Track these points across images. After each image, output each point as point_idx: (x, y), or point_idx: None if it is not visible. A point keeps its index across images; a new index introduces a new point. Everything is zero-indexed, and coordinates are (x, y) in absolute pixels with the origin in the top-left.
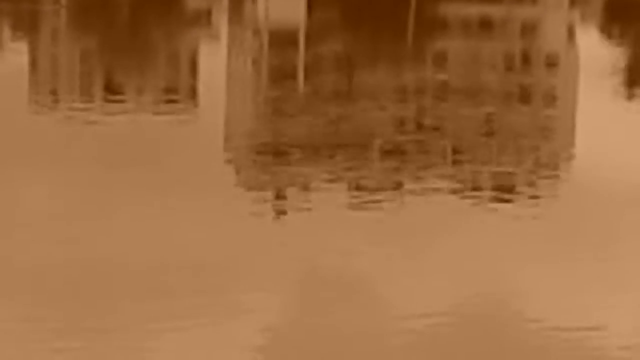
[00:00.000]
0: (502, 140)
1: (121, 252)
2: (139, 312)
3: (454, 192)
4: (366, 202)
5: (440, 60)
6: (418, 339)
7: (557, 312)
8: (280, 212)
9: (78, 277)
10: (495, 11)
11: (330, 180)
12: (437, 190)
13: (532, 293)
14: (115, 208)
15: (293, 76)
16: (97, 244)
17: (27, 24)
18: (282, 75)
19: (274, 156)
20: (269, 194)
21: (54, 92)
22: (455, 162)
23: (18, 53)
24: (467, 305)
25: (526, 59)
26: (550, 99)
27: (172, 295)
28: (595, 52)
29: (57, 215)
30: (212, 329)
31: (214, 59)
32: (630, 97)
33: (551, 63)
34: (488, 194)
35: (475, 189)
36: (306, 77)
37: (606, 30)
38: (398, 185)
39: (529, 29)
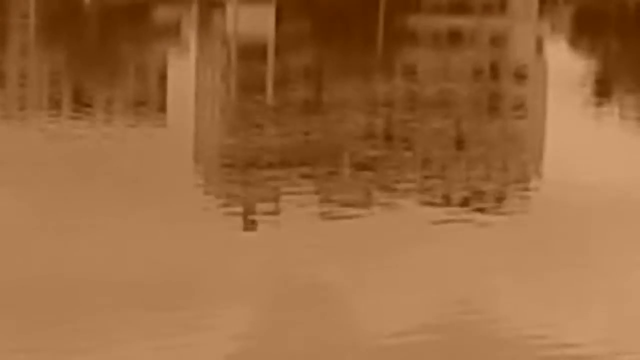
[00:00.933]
0: (472, 151)
1: (89, 267)
2: (107, 329)
3: (424, 203)
4: (337, 214)
5: (410, 72)
6: (390, 351)
7: (530, 322)
8: (250, 224)
9: (44, 293)
10: (464, 23)
11: (301, 192)
12: (407, 201)
13: (504, 304)
14: (83, 222)
15: (262, 88)
16: (64, 259)
17: None
18: (251, 87)
19: (244, 168)
20: (239, 206)
21: (22, 107)
22: (425, 174)
23: None
24: (439, 317)
25: (495, 70)
26: (520, 110)
27: (142, 309)
28: (564, 63)
29: (23, 231)
30: (183, 342)
31: (183, 71)
32: (599, 108)
33: (520, 75)
34: (458, 205)
35: (445, 200)
36: (275, 89)
37: (575, 41)
38: (368, 197)
39: (498, 41)
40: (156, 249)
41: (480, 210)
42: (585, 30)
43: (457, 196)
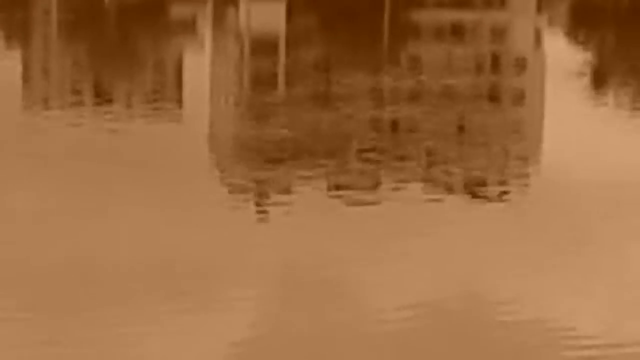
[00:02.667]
0: (474, 140)
1: (106, 251)
2: (129, 310)
3: (428, 191)
4: (345, 202)
5: (415, 64)
6: (393, 332)
7: (528, 307)
8: (262, 212)
9: (65, 276)
10: (465, 16)
11: (310, 180)
12: (412, 189)
13: (503, 288)
14: (103, 208)
15: (274, 82)
16: (83, 243)
17: (19, 33)
18: (263, 80)
19: (257, 158)
20: (252, 194)
21: (45, 99)
22: (429, 162)
23: (12, 61)
24: (441, 300)
25: (496, 62)
26: (519, 100)
27: (155, 293)
28: (561, 55)
29: (46, 217)
30: (195, 322)
31: (198, 66)
32: (595, 98)
33: (520, 66)
34: (461, 192)
35: (448, 187)
36: (287, 81)
37: (572, 34)
38: (376, 185)
39: (498, 34)
40: (170, 234)
41: (482, 197)
42: (582, 23)
43: (459, 183)
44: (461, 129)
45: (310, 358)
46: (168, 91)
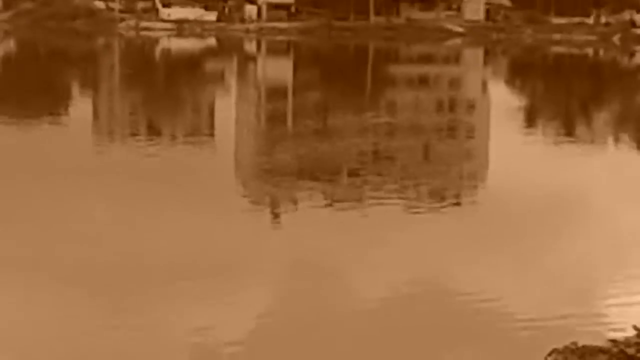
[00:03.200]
0: (436, 162)
1: (155, 247)
2: (170, 294)
3: (401, 199)
4: (338, 208)
5: (391, 106)
6: (376, 309)
7: (480, 290)
8: (275, 217)
9: (124, 268)
10: (430, 70)
11: (312, 194)
12: (389, 198)
13: (459, 275)
14: (153, 215)
15: (284, 118)
16: (138, 242)
17: (91, 82)
18: (275, 117)
19: (271, 176)
20: (267, 204)
21: (110, 132)
22: (401, 180)
23: (85, 103)
24: (411, 281)
25: (452, 104)
26: (470, 132)
27: (194, 280)
28: (502, 98)
29: (109, 223)
30: (220, 303)
31: (226, 106)
32: (528, 130)
33: (470, 106)
34: (426, 201)
35: (416, 198)
36: (293, 119)
37: (510, 82)
38: (361, 197)
39: (454, 83)
40: (204, 234)
41: (442, 204)
42: (517, 74)
43: (425, 194)
44: (426, 154)
45: (312, 327)
46: (203, 126)
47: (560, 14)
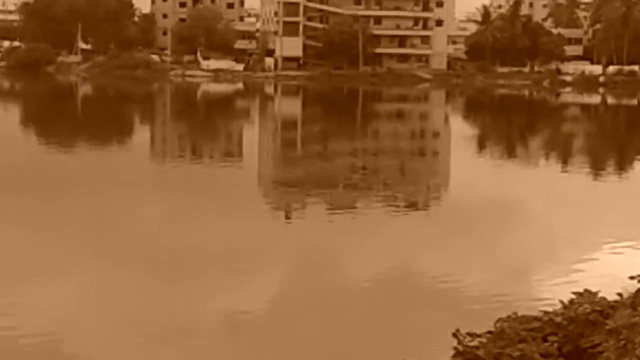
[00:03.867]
0: (410, 177)
1: (194, 242)
2: (203, 279)
3: (384, 206)
4: (335, 212)
5: (375, 134)
6: (364, 292)
7: (442, 271)
8: (288, 219)
9: (174, 257)
10: (405, 107)
11: (316, 200)
12: (374, 204)
13: (426, 260)
14: (194, 217)
15: (294, 143)
16: (182, 238)
17: (149, 116)
18: (288, 143)
19: (284, 187)
20: (282, 209)
21: (163, 154)
22: (383, 190)
23: (144, 132)
24: (388, 265)
25: (422, 133)
26: (435, 154)
27: (222, 261)
28: (460, 128)
29: (160, 221)
30: (239, 286)
31: (251, 134)
32: (480, 153)
33: (436, 134)
34: (402, 207)
35: (394, 204)
36: (302, 144)
37: (466, 116)
38: (353, 203)
39: (423, 116)
40: (231, 232)
41: (414, 208)
42: (471, 110)
43: (402, 201)
44: (402, 170)
45: (315, 304)
46: (234, 149)
47: (503, 64)
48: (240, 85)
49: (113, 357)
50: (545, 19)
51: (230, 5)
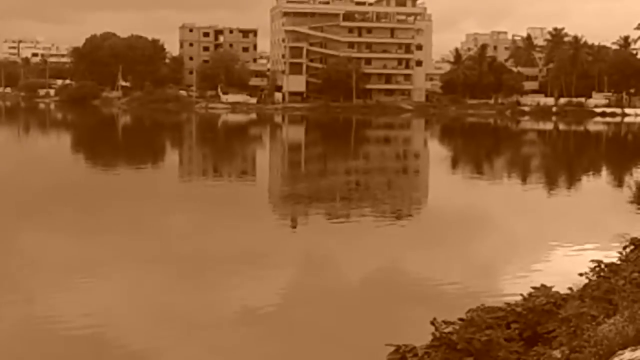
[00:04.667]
0: (395, 190)
1: (212, 245)
2: (223, 274)
3: (374, 215)
4: (333, 221)
5: (366, 155)
6: (356, 289)
7: (420, 269)
8: (294, 227)
9: (194, 257)
10: (390, 133)
11: (317, 211)
12: (366, 214)
13: (408, 260)
14: (215, 225)
15: (299, 164)
16: (202, 241)
17: (178, 142)
18: (294, 163)
19: (290, 200)
20: (288, 218)
21: (190, 173)
22: (373, 202)
23: (173, 155)
24: (376, 264)
25: (405, 154)
26: (416, 172)
27: (238, 262)
28: (436, 150)
29: (187, 228)
30: (245, 283)
31: (263, 156)
32: (453, 171)
33: (416, 156)
34: (389, 216)
35: (381, 214)
36: (305, 164)
37: (441, 141)
38: (349, 213)
39: (406, 141)
40: (243, 237)
41: (399, 217)
42: (446, 135)
43: (388, 213)
44: (389, 185)
45: (315, 295)
46: (248, 169)
47: (472, 97)
48: (254, 116)
49: (154, 341)
50: (507, 60)
51: (246, 49)
